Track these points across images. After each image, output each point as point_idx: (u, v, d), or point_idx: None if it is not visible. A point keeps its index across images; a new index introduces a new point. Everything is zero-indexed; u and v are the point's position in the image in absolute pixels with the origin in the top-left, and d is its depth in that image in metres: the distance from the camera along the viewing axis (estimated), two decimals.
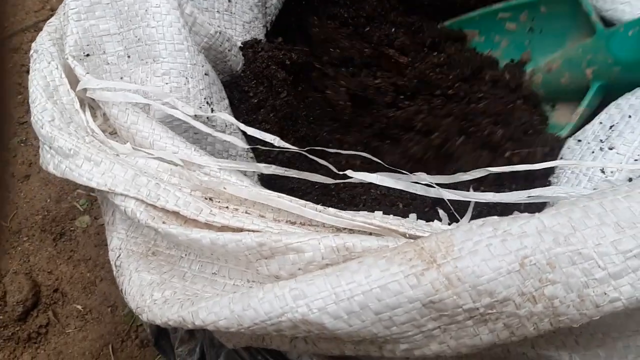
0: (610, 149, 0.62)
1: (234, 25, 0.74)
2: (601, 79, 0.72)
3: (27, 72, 1.33)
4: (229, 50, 0.72)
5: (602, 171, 0.60)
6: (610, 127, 0.64)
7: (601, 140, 0.64)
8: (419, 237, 0.47)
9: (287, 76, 0.76)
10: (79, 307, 1.13)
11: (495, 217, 0.40)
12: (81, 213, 1.20)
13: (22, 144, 1.28)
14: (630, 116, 0.63)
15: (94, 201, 1.22)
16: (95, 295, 1.14)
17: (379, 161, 0.59)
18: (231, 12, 0.74)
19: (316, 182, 0.67)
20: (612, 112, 0.66)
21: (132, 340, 1.11)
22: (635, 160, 0.60)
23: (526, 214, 0.40)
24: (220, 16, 0.73)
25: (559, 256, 0.36)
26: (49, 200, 1.22)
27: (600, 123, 0.66)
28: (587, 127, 0.67)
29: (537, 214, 0.39)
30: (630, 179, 0.59)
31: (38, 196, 1.22)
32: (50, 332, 1.12)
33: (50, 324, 1.12)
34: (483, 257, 0.37)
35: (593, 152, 0.64)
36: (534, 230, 0.38)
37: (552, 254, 0.36)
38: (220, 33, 0.70)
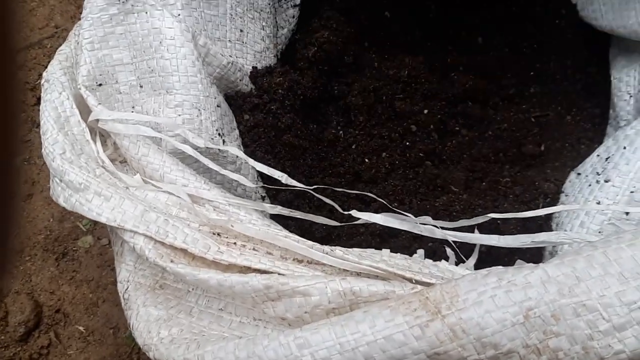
0: (606, 181, 0.64)
1: (245, 54, 0.77)
2: None
3: (31, 89, 1.37)
4: (240, 80, 0.75)
5: (598, 203, 0.61)
6: (606, 159, 0.66)
7: (597, 173, 0.65)
8: (425, 282, 0.50)
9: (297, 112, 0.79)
10: (81, 328, 1.15)
11: (500, 267, 0.42)
12: (84, 233, 1.23)
13: (25, 163, 1.31)
14: (625, 147, 0.65)
15: (97, 222, 1.24)
16: (98, 316, 1.16)
17: (385, 202, 0.62)
18: (243, 42, 0.76)
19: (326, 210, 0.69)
20: (609, 144, 0.68)
21: None
22: (631, 192, 0.61)
23: (530, 264, 0.41)
24: (232, 45, 0.75)
25: (563, 308, 0.38)
26: (51, 220, 1.24)
27: (598, 156, 0.68)
28: (587, 160, 0.69)
29: (541, 264, 0.41)
30: (627, 213, 0.60)
31: (41, 215, 1.25)
32: (52, 353, 1.14)
33: (52, 345, 1.14)
34: (487, 308, 0.39)
35: (590, 185, 0.66)
36: (538, 281, 0.39)
37: (556, 305, 0.38)
38: (232, 63, 0.72)
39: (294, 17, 0.88)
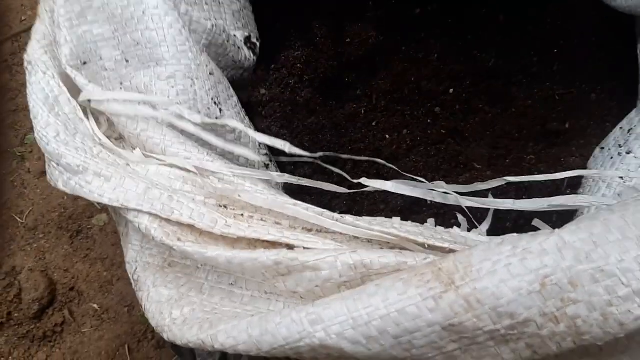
0: (628, 153, 0.63)
1: (223, 15, 0.74)
2: None
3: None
4: (227, 41, 0.72)
5: (621, 177, 0.60)
6: (629, 131, 0.65)
7: (619, 145, 0.64)
8: (437, 247, 0.49)
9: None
10: (95, 306, 1.17)
11: (515, 234, 0.41)
12: (99, 211, 1.23)
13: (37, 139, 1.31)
14: None
15: None
16: (112, 294, 1.17)
17: (394, 167, 0.60)
18: (219, 2, 0.74)
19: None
20: (632, 116, 0.66)
21: (148, 341, 1.15)
22: None
23: (546, 230, 0.40)
24: (209, 8, 0.72)
25: (580, 274, 0.37)
26: (65, 197, 1.25)
27: (621, 128, 0.67)
28: (610, 134, 0.68)
29: (557, 230, 0.40)
30: None
31: (55, 193, 1.26)
32: (66, 330, 1.16)
33: (66, 323, 1.16)
34: (502, 277, 0.38)
35: (612, 157, 0.65)
36: (554, 248, 0.38)
37: (573, 272, 0.37)
38: (215, 26, 0.70)
39: None
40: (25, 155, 1.31)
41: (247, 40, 0.79)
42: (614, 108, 0.79)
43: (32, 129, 1.32)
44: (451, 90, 0.81)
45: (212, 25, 0.70)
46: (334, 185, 0.61)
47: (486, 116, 0.81)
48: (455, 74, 0.83)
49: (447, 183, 0.63)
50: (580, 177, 0.66)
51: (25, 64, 0.64)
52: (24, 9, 1.37)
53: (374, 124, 0.80)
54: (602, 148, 0.67)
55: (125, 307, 1.16)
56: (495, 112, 0.81)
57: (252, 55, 0.79)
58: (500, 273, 0.38)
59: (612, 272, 0.37)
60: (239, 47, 0.76)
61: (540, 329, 0.37)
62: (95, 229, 1.22)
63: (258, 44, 0.80)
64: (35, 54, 0.64)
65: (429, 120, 0.80)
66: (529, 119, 0.80)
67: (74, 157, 0.56)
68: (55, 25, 0.63)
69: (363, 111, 0.80)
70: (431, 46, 0.85)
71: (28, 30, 1.32)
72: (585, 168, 0.69)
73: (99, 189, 0.56)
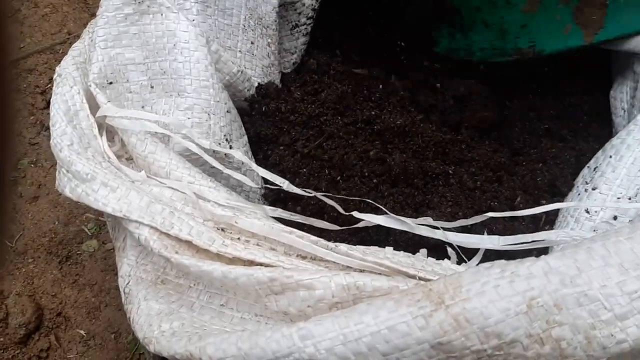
0: (594, 189, 0.65)
1: (254, 66, 0.77)
2: None
3: (41, 93, 1.38)
4: (247, 90, 0.75)
5: (587, 211, 0.62)
6: (595, 169, 0.67)
7: (586, 182, 0.67)
8: (429, 279, 0.49)
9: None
10: (82, 332, 1.14)
11: (503, 260, 0.41)
12: (89, 237, 1.22)
13: (32, 165, 1.31)
14: (611, 156, 0.67)
15: (102, 225, 1.24)
16: (99, 320, 1.15)
17: (382, 208, 0.61)
18: (253, 54, 0.77)
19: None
20: (598, 155, 0.69)
21: None
22: (618, 198, 0.62)
23: (533, 257, 0.41)
24: (242, 56, 0.75)
25: (565, 297, 0.38)
26: (56, 223, 1.24)
27: (588, 167, 0.70)
28: (580, 173, 0.71)
29: (543, 256, 0.40)
30: (615, 217, 0.61)
31: (46, 218, 1.25)
32: (51, 356, 1.13)
33: (52, 349, 1.13)
34: (491, 298, 0.38)
35: (579, 194, 0.68)
36: (540, 272, 0.39)
37: (558, 295, 0.38)
38: (242, 72, 0.73)
39: (304, 44, 0.89)
40: (18, 179, 1.31)
41: None
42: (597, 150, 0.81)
43: (25, 154, 1.34)
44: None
45: (238, 71, 0.72)
46: (325, 222, 0.62)
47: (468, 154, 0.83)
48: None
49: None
50: (554, 216, 0.67)
51: (56, 75, 0.66)
52: (23, 35, 1.41)
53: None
54: (572, 186, 0.69)
55: (112, 334, 1.13)
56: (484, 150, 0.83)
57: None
58: (489, 294, 0.38)
59: (595, 297, 0.37)
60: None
61: (526, 350, 0.37)
62: (85, 255, 1.21)
63: None
64: (67, 68, 0.66)
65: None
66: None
67: (84, 166, 0.57)
68: (92, 44, 0.66)
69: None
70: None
71: (26, 57, 1.35)
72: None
73: (104, 198, 0.56)
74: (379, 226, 0.61)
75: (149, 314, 0.55)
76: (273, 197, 0.71)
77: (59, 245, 1.22)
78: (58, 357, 1.12)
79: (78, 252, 1.21)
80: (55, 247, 1.22)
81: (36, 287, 1.19)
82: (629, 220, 0.59)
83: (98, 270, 1.19)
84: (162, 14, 0.67)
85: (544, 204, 0.68)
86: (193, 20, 0.68)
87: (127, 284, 0.60)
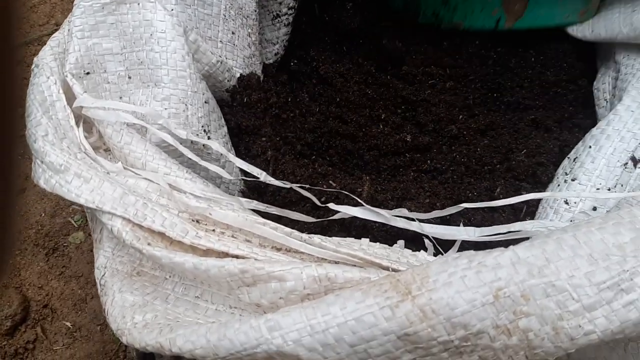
0: (573, 180, 0.65)
1: (235, 56, 0.76)
2: None
3: (22, 87, 1.35)
4: (227, 81, 0.74)
5: (566, 202, 0.61)
6: (574, 159, 0.67)
7: (566, 173, 0.66)
8: (402, 271, 0.48)
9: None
10: (68, 324, 1.13)
11: (472, 250, 0.41)
12: (75, 229, 1.22)
13: (19, 157, 1.30)
14: (590, 147, 0.66)
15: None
16: (86, 312, 1.14)
17: (358, 199, 0.60)
18: (234, 44, 0.75)
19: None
20: (578, 146, 0.69)
21: None
22: (597, 189, 0.62)
23: (501, 247, 0.40)
24: (223, 46, 0.74)
25: (532, 288, 0.37)
26: (43, 215, 1.23)
27: (568, 158, 0.69)
28: (561, 164, 0.70)
29: (511, 246, 0.40)
30: (594, 208, 0.60)
31: (33, 210, 1.24)
32: (38, 348, 1.12)
33: (38, 340, 1.13)
34: (457, 288, 0.38)
35: (559, 185, 0.67)
36: (508, 262, 0.38)
37: (526, 285, 0.37)
38: (221, 62, 0.71)
39: (286, 34, 0.88)
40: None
41: None
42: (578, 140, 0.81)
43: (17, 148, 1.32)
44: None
45: (217, 61, 0.71)
46: (301, 214, 0.62)
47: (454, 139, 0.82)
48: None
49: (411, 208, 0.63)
50: (535, 208, 0.67)
51: (33, 66, 0.65)
52: None
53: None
54: (553, 177, 0.69)
55: (97, 326, 1.13)
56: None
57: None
58: (456, 284, 0.37)
59: (563, 287, 0.36)
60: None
61: (492, 341, 0.36)
62: (72, 247, 1.20)
63: None
64: (45, 58, 0.65)
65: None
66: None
67: (58, 157, 0.56)
68: (69, 34, 0.65)
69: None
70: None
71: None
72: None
73: (77, 189, 0.55)
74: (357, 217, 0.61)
75: (123, 306, 0.55)
76: (253, 188, 0.71)
77: (46, 237, 1.21)
78: (44, 348, 1.12)
79: (64, 244, 1.20)
80: (42, 239, 1.21)
81: (23, 279, 1.18)
82: (607, 212, 0.59)
83: (84, 262, 1.18)
84: (139, 4, 0.66)
85: (524, 195, 0.68)
86: (171, 10, 0.67)
87: (103, 275, 0.59)
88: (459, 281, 0.37)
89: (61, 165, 0.56)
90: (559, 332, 0.36)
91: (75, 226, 1.22)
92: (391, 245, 0.57)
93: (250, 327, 0.42)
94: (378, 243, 0.53)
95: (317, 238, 0.52)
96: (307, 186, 0.64)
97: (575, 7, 0.87)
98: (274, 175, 0.70)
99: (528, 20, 0.91)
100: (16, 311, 1.13)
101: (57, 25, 1.35)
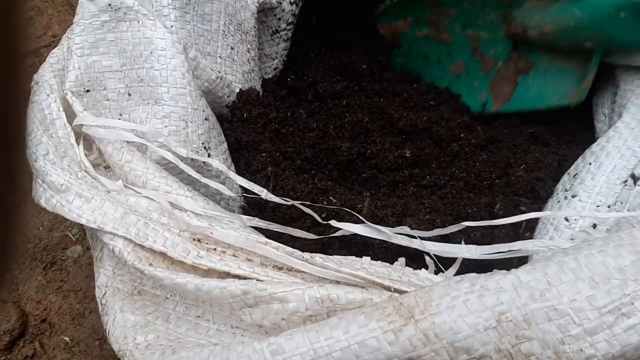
0: (573, 196, 0.64)
1: (235, 72, 0.76)
2: (600, 47, 0.77)
3: (26, 97, 1.35)
4: (227, 96, 0.74)
5: (566, 219, 0.61)
6: (574, 175, 0.67)
7: (566, 190, 0.66)
8: (404, 291, 0.48)
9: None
10: (67, 338, 1.13)
11: (474, 273, 0.41)
12: (73, 243, 1.21)
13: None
14: (590, 163, 0.66)
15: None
16: (84, 327, 1.14)
17: (359, 216, 0.61)
18: (233, 59, 0.76)
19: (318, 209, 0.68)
20: (578, 162, 0.69)
21: None
22: (597, 206, 0.62)
23: (503, 270, 0.41)
24: (223, 62, 0.74)
25: (535, 312, 0.37)
26: (41, 229, 1.22)
27: (568, 174, 0.69)
28: (560, 180, 0.70)
29: (513, 269, 0.40)
30: (594, 225, 0.60)
31: (30, 224, 1.23)
32: None
33: (36, 355, 1.12)
34: (460, 313, 0.38)
35: (559, 201, 0.67)
36: (510, 286, 0.38)
37: (528, 309, 0.37)
38: (221, 79, 0.72)
39: (285, 49, 0.89)
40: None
41: None
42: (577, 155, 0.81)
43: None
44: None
45: (217, 77, 0.71)
46: (302, 231, 0.62)
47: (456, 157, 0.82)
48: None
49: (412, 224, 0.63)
50: (535, 223, 0.67)
51: (33, 83, 0.65)
52: None
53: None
54: (553, 193, 0.69)
55: (96, 340, 1.12)
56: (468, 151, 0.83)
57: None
58: (459, 308, 0.37)
59: (564, 311, 0.37)
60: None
61: None
62: (69, 261, 1.19)
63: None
64: (45, 75, 0.65)
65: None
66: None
67: (59, 176, 0.56)
68: (68, 51, 0.65)
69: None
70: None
71: None
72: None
73: (79, 209, 0.55)
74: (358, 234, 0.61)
75: (125, 326, 0.55)
76: (253, 204, 0.71)
77: (44, 251, 1.21)
78: None
79: (62, 258, 1.20)
80: (40, 253, 1.20)
81: (21, 293, 1.17)
82: (607, 230, 0.59)
83: (82, 276, 1.18)
84: (138, 21, 0.66)
85: (523, 210, 0.68)
86: (171, 26, 0.67)
87: (104, 294, 0.59)
88: (462, 305, 0.37)
89: (62, 185, 0.56)
90: (560, 356, 0.36)
91: (73, 240, 1.22)
92: (392, 262, 0.57)
93: (253, 351, 0.42)
94: (379, 261, 0.54)
95: (318, 257, 0.52)
96: (308, 203, 0.64)
97: (567, 89, 0.84)
98: (274, 191, 0.70)
99: (516, 103, 0.90)
100: (14, 326, 1.13)
101: (54, 37, 1.35)
